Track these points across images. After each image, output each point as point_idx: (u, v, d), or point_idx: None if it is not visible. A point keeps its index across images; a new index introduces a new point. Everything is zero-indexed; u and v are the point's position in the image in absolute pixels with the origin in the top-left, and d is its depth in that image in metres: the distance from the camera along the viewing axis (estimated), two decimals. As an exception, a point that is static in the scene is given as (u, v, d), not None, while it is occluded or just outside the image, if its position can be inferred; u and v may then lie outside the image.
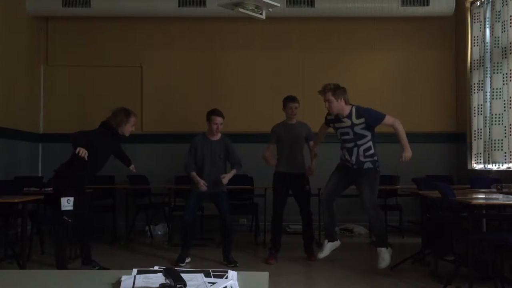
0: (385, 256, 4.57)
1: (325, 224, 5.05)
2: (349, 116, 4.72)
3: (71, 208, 4.58)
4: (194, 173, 5.36)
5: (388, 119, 4.70)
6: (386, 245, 4.68)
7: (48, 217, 6.18)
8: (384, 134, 7.88)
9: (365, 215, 4.89)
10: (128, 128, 4.86)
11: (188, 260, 5.41)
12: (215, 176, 5.36)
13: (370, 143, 4.71)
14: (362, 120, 4.68)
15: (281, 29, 7.89)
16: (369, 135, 4.71)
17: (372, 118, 4.70)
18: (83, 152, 4.41)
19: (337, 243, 4.98)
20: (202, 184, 5.28)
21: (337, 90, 4.70)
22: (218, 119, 5.36)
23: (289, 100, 5.64)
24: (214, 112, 5.40)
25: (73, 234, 4.96)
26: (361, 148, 4.70)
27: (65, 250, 4.88)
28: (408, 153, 4.64)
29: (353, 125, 4.70)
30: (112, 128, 4.84)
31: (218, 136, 5.47)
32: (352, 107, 4.73)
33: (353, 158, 4.73)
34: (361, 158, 4.71)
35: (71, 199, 4.58)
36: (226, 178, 5.39)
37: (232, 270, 1.55)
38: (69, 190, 4.62)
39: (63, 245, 4.79)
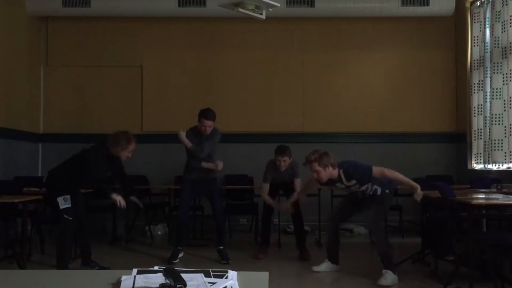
0: (387, 277, 4.47)
1: (327, 243, 5.08)
2: (339, 180, 4.62)
3: (69, 205, 4.61)
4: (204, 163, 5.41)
5: (375, 170, 4.50)
6: (392, 268, 4.54)
7: (48, 217, 6.17)
8: (384, 134, 7.96)
9: (364, 215, 4.89)
10: (125, 154, 4.79)
11: (181, 255, 5.43)
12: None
13: (374, 185, 4.64)
14: (354, 181, 4.59)
15: (281, 29, 7.89)
16: (368, 183, 4.62)
17: (363, 177, 4.55)
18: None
19: (335, 267, 4.96)
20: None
21: (322, 158, 4.52)
22: (208, 123, 5.30)
23: (277, 152, 5.56)
24: (205, 115, 5.31)
25: (74, 235, 4.96)
26: (367, 191, 4.67)
27: (67, 250, 4.90)
28: (418, 195, 4.39)
29: (348, 186, 4.65)
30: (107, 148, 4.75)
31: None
32: (339, 171, 4.58)
33: (363, 195, 4.70)
34: (370, 193, 4.69)
35: (67, 196, 4.61)
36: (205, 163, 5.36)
37: (229, 268, 1.55)
38: (62, 189, 4.65)
39: (66, 245, 4.80)
